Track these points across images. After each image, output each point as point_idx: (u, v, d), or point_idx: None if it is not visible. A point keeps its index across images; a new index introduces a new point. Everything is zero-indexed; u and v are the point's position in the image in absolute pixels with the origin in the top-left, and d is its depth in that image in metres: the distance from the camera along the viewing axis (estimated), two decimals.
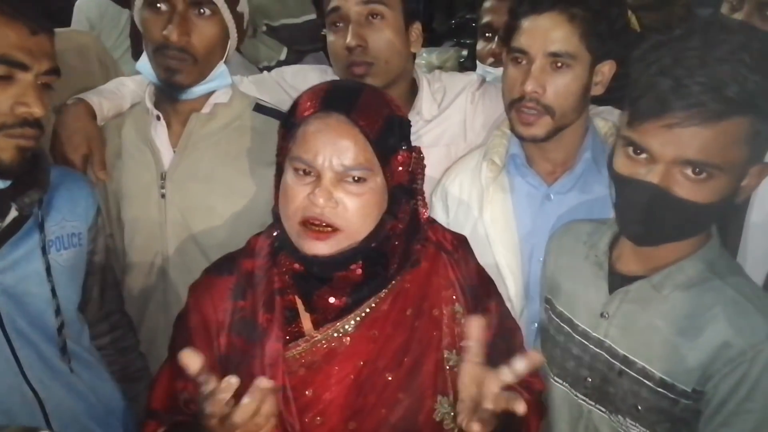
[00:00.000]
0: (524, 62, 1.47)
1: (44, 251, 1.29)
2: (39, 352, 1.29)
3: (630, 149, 1.13)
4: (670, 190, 1.10)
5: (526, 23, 1.46)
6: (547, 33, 1.44)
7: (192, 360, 1.00)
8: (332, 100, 1.15)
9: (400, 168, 1.18)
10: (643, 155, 1.12)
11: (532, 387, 1.31)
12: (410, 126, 1.22)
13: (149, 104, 1.59)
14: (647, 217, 1.14)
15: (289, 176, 1.15)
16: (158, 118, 1.58)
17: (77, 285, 1.40)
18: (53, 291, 1.30)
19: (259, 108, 1.64)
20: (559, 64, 1.44)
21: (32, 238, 1.28)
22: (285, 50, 2.45)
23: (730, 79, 1.04)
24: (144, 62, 1.56)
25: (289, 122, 1.18)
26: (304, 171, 1.13)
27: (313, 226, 1.12)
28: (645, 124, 1.10)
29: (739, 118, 1.06)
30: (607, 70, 1.49)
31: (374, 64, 1.64)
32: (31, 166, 1.24)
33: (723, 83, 1.04)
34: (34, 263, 1.28)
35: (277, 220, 1.20)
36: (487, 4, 2.15)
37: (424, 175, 1.23)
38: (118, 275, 1.60)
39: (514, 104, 1.50)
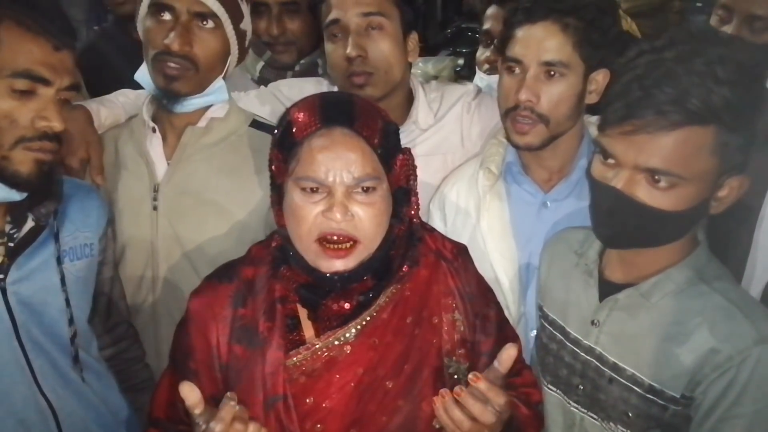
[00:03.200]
0: (518, 71, 1.49)
1: (59, 261, 1.32)
2: (52, 361, 1.31)
3: (601, 155, 1.17)
4: (632, 195, 1.12)
5: (520, 33, 1.49)
6: (540, 42, 1.46)
7: (191, 394, 1.04)
8: (331, 113, 1.15)
9: (400, 171, 1.20)
10: (611, 160, 1.15)
11: (530, 399, 1.33)
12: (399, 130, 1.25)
13: (146, 116, 1.60)
14: (611, 220, 1.17)
15: (296, 197, 1.15)
16: (153, 130, 1.59)
17: (88, 295, 1.42)
18: (67, 301, 1.32)
19: (256, 124, 1.65)
20: (553, 73, 1.46)
21: (47, 248, 1.31)
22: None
23: (694, 91, 1.06)
24: (143, 72, 1.56)
25: (287, 142, 1.17)
26: (313, 189, 1.13)
27: (331, 244, 1.13)
28: (609, 130, 1.14)
29: (698, 128, 1.08)
30: (601, 78, 1.50)
31: (374, 75, 1.67)
32: (46, 177, 1.26)
33: (686, 95, 1.07)
34: (49, 273, 1.31)
35: (286, 241, 1.21)
36: (489, 12, 2.19)
37: (416, 175, 1.24)
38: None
39: (509, 113, 1.52)
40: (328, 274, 1.14)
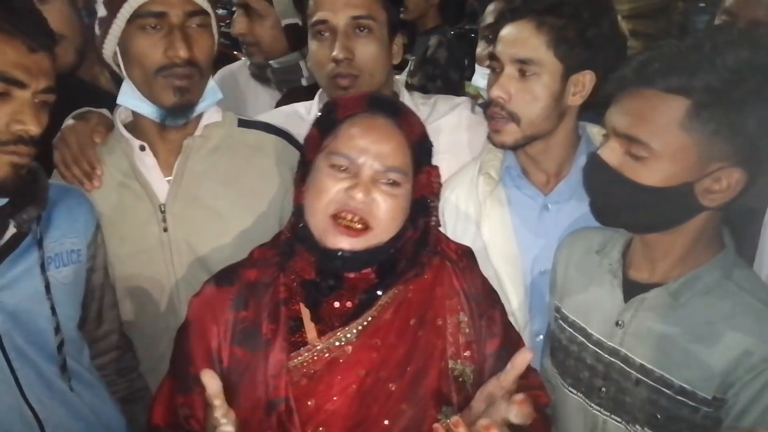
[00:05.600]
0: (498, 69, 1.48)
1: (43, 268, 1.28)
2: (38, 371, 1.27)
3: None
4: (607, 161, 1.17)
5: (503, 32, 1.48)
6: (515, 40, 1.45)
7: (211, 381, 1.03)
8: (377, 103, 1.21)
9: (426, 182, 1.22)
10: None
11: (538, 401, 1.28)
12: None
13: (126, 134, 1.51)
14: (591, 186, 1.25)
15: (324, 170, 1.17)
16: (142, 148, 1.50)
17: (77, 302, 1.38)
18: (53, 309, 1.29)
19: (243, 123, 1.60)
20: (527, 72, 1.44)
21: (31, 255, 1.27)
22: None
23: (678, 67, 1.08)
24: (129, 96, 1.46)
25: (328, 119, 1.21)
26: (341, 167, 1.15)
27: (345, 219, 1.14)
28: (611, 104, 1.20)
29: (664, 95, 1.10)
30: (587, 80, 1.46)
31: (359, 77, 1.63)
32: (29, 183, 1.23)
33: (670, 68, 1.10)
34: (33, 281, 1.27)
35: (300, 215, 1.21)
36: (490, 8, 2.18)
37: (439, 194, 1.26)
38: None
39: (486, 110, 1.51)
40: (332, 250, 1.15)
